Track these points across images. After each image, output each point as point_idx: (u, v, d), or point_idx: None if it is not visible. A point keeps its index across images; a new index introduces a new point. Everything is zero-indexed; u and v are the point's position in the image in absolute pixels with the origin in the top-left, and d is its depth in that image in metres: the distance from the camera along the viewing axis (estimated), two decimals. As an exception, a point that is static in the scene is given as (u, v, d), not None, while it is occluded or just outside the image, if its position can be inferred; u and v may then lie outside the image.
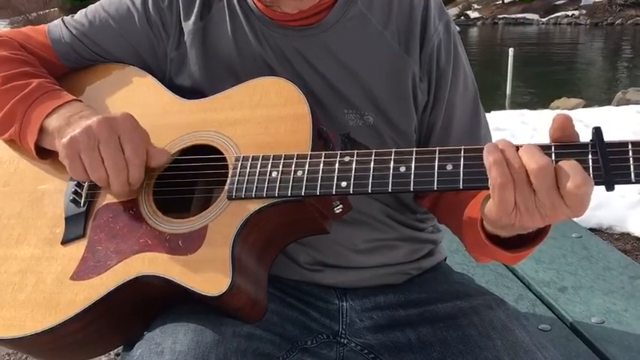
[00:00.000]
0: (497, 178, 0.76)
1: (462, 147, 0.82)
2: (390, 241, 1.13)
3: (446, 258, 1.28)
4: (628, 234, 3.14)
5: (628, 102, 7.14)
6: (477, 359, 0.95)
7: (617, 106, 6.76)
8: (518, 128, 5.16)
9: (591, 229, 2.96)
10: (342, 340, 1.09)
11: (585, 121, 5.24)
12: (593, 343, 1.40)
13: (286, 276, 1.11)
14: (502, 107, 8.42)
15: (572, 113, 5.96)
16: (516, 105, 8.94)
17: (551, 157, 0.77)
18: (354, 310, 1.10)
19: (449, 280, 1.18)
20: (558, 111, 6.55)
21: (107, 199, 1.00)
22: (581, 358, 1.35)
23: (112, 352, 2.03)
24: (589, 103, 7.96)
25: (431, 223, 1.21)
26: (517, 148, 0.78)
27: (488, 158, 0.77)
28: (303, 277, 1.11)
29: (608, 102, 7.71)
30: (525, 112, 6.22)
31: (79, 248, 0.97)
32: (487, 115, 1.19)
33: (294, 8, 1.04)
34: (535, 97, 10.41)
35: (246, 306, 0.91)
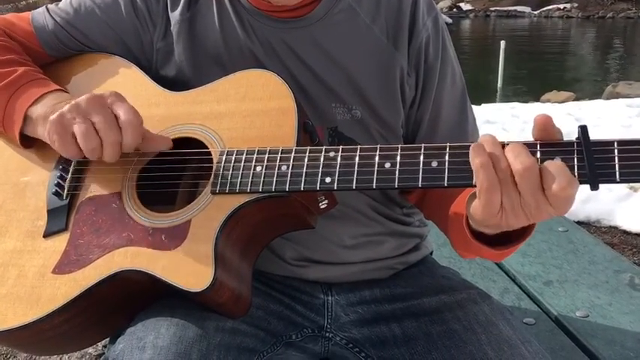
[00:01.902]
0: (485, 181, 0.76)
1: (448, 144, 0.82)
2: (377, 235, 1.13)
3: (432, 252, 1.28)
4: (615, 227, 3.15)
5: (618, 95, 7.17)
6: (461, 353, 0.96)
7: (607, 99, 6.78)
8: (508, 121, 5.16)
9: (579, 222, 2.98)
10: (327, 335, 1.09)
11: (575, 114, 5.26)
12: (577, 336, 1.41)
13: (272, 271, 1.11)
14: (493, 100, 8.44)
15: (562, 107, 6.00)
16: (507, 98, 8.96)
17: (536, 155, 0.76)
18: (340, 305, 1.10)
19: (434, 274, 1.18)
20: (549, 104, 6.58)
21: (90, 192, 0.99)
22: (565, 351, 1.36)
23: (99, 344, 2.03)
24: (579, 96, 7.99)
25: (417, 217, 1.21)
26: (503, 146, 0.78)
27: (474, 160, 0.77)
28: (288, 272, 1.10)
29: (598, 95, 7.74)
30: (516, 104, 6.22)
31: (61, 242, 0.96)
32: (478, 107, 1.19)
33: (278, 0, 1.03)
34: (526, 90, 10.44)
35: (229, 301, 0.90)
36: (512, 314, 1.04)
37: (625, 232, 3.12)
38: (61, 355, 2.10)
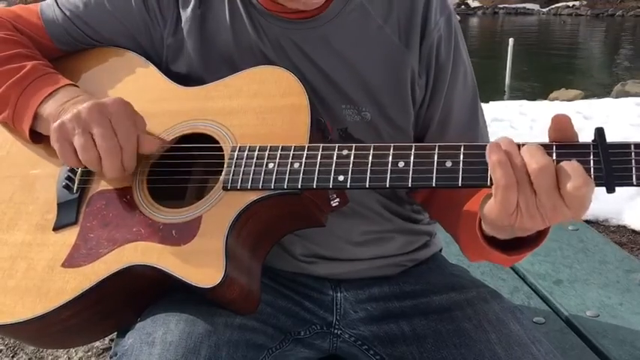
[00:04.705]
0: (502, 179, 0.74)
1: (462, 144, 0.81)
2: (386, 233, 1.12)
3: (441, 249, 1.27)
4: (624, 226, 3.14)
5: (627, 94, 7.14)
6: (471, 352, 0.95)
7: (616, 98, 6.74)
8: (516, 119, 5.14)
9: (587, 221, 2.96)
10: (335, 331, 1.09)
11: (584, 112, 5.24)
12: (588, 336, 1.40)
13: (280, 267, 1.10)
14: (501, 97, 8.41)
15: (571, 105, 5.98)
16: (515, 95, 8.93)
17: (552, 156, 0.75)
18: (348, 302, 1.10)
19: (444, 271, 1.17)
20: (557, 102, 6.54)
21: (100, 185, 0.99)
22: (576, 351, 1.36)
23: (105, 338, 2.03)
24: (588, 94, 7.94)
25: (427, 214, 1.20)
26: (519, 146, 0.77)
27: (491, 157, 0.75)
28: (297, 268, 1.10)
29: (607, 94, 7.69)
30: (524, 102, 6.20)
31: (70, 235, 0.96)
32: (486, 105, 1.18)
33: (295, 5, 1.01)
34: (534, 88, 10.38)
35: (239, 298, 0.90)
36: (523, 313, 1.03)
37: (633, 231, 3.11)
38: (67, 349, 2.11)
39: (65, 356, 2.10)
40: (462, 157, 0.80)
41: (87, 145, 0.92)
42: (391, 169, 0.83)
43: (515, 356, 0.92)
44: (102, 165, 0.93)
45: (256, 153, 0.91)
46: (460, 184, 0.79)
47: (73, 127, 0.92)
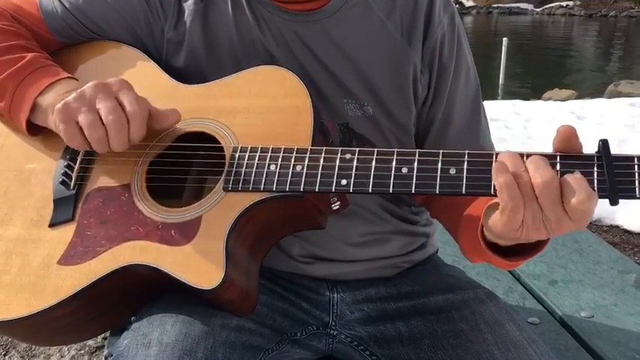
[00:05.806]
0: (509, 201, 0.74)
1: (466, 151, 0.81)
2: (384, 234, 1.12)
3: (437, 250, 1.27)
4: (617, 227, 3.16)
5: (620, 94, 7.17)
6: (467, 353, 0.95)
7: (609, 98, 6.77)
8: (510, 118, 5.16)
9: (580, 222, 2.97)
10: (331, 332, 1.08)
11: (577, 113, 5.26)
12: (582, 337, 1.41)
13: (277, 267, 1.10)
14: (495, 97, 8.42)
15: (564, 105, 5.99)
16: (509, 95, 8.94)
17: (556, 167, 0.75)
18: (345, 302, 1.10)
19: (440, 272, 1.17)
20: (551, 102, 6.56)
21: (98, 182, 0.98)
22: (570, 352, 1.36)
23: (98, 336, 2.02)
24: (581, 94, 7.97)
25: (424, 216, 1.20)
26: (523, 156, 0.77)
27: (498, 179, 0.75)
28: (294, 268, 1.09)
29: (600, 94, 7.72)
30: (518, 102, 6.21)
31: (67, 232, 0.94)
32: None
33: None
34: (528, 88, 10.40)
35: (237, 299, 0.89)
36: (519, 314, 1.03)
37: (626, 231, 3.13)
38: (60, 347, 2.10)
39: (58, 354, 2.09)
40: (465, 164, 0.80)
41: (94, 121, 0.89)
42: (395, 175, 0.83)
43: (512, 357, 0.92)
44: (109, 140, 0.90)
45: (258, 154, 0.90)
46: (464, 192, 0.79)
47: (78, 106, 0.90)
